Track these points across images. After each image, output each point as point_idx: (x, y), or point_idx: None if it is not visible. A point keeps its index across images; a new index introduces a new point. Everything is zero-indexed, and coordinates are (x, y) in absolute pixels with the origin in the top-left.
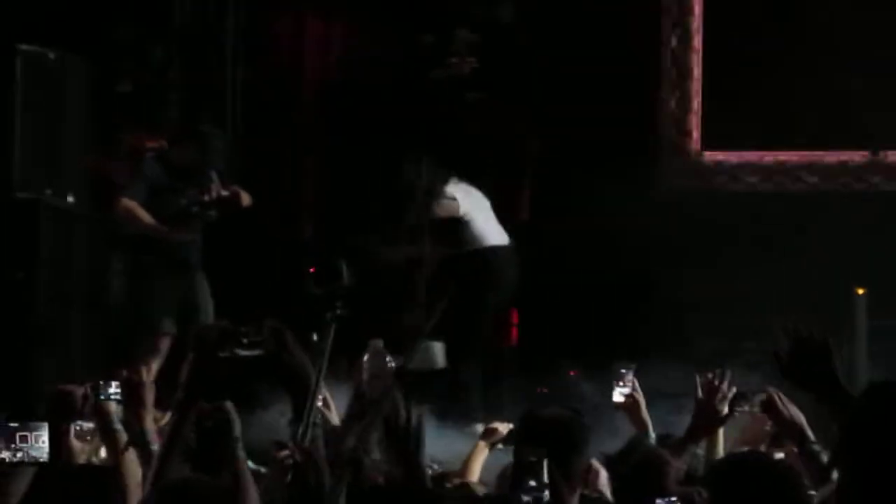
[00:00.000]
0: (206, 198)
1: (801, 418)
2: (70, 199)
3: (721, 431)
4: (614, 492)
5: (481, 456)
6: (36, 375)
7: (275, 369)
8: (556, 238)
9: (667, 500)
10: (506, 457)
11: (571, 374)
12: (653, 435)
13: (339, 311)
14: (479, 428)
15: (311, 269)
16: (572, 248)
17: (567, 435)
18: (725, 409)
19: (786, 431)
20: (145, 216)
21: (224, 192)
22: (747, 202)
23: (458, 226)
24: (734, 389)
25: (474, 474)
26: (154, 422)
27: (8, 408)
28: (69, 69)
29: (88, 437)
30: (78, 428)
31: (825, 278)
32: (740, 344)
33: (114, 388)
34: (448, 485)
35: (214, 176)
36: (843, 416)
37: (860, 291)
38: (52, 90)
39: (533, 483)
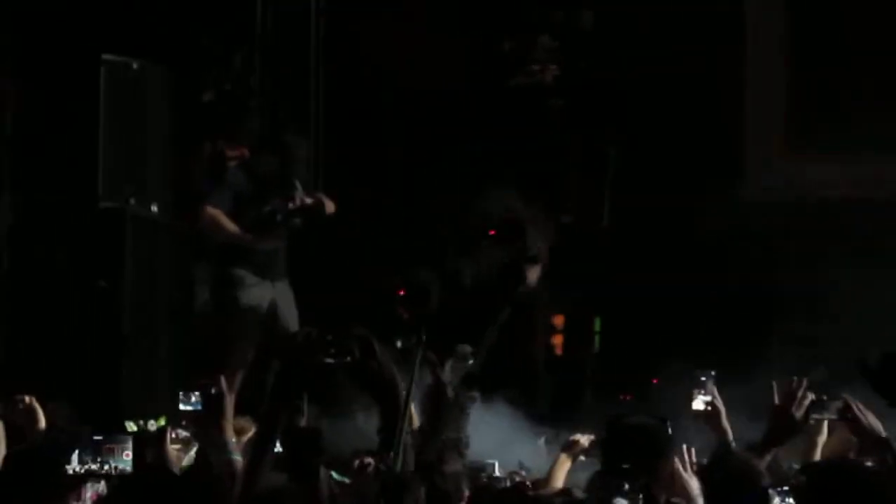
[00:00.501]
0: (291, 206)
1: (879, 426)
2: (154, 208)
3: (819, 442)
4: (707, 499)
5: (564, 467)
6: (121, 387)
7: (361, 377)
8: (638, 245)
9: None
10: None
11: (654, 382)
12: (732, 443)
13: (424, 336)
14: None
15: (400, 291)
16: (654, 255)
17: (653, 442)
18: (801, 416)
19: (864, 439)
20: (230, 225)
21: (308, 200)
22: (836, 208)
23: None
24: (811, 396)
25: (559, 484)
26: (240, 431)
27: (94, 420)
28: (151, 79)
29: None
30: (174, 436)
31: None
32: (827, 352)
33: (195, 399)
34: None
35: (298, 184)
36: None
37: None
38: (135, 100)
39: (626, 488)
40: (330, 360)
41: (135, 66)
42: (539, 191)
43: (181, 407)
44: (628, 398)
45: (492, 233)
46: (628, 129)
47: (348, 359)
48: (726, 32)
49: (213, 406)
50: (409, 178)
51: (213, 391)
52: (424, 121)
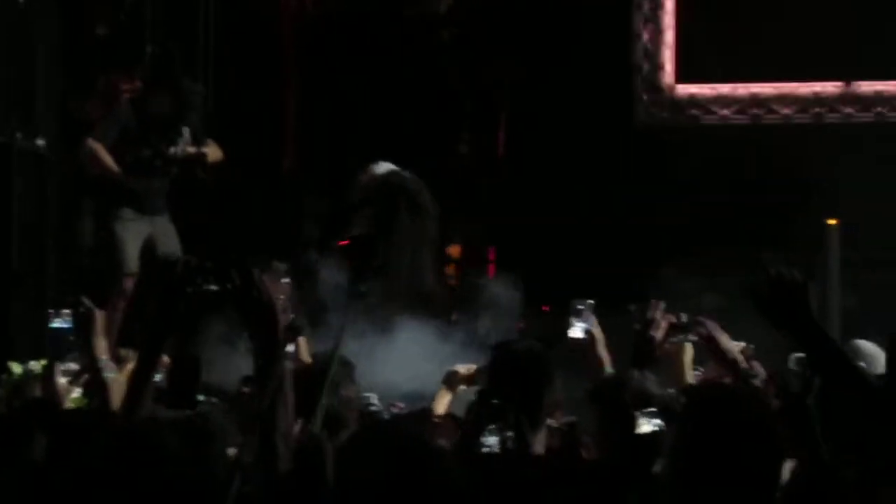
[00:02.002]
0: (171, 152)
1: (734, 348)
2: (40, 142)
3: (686, 364)
4: (600, 426)
5: (444, 400)
6: (10, 317)
7: (241, 304)
8: (533, 174)
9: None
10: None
11: (545, 309)
12: (610, 370)
13: (364, 289)
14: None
15: (343, 242)
16: (548, 183)
17: (539, 366)
18: (660, 338)
19: (719, 360)
20: (107, 159)
21: (191, 150)
22: (720, 134)
23: None
24: (671, 319)
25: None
26: (123, 361)
27: None
28: (39, 12)
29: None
30: (64, 368)
31: (797, 210)
32: (725, 279)
33: (63, 319)
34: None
35: (186, 132)
36: (816, 353)
37: (832, 223)
38: (22, 34)
39: (497, 426)
40: (209, 288)
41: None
42: (435, 121)
43: (51, 325)
44: (521, 326)
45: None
46: (522, 61)
47: (228, 286)
48: None
49: (82, 325)
50: (302, 109)
51: (81, 310)
52: (318, 52)
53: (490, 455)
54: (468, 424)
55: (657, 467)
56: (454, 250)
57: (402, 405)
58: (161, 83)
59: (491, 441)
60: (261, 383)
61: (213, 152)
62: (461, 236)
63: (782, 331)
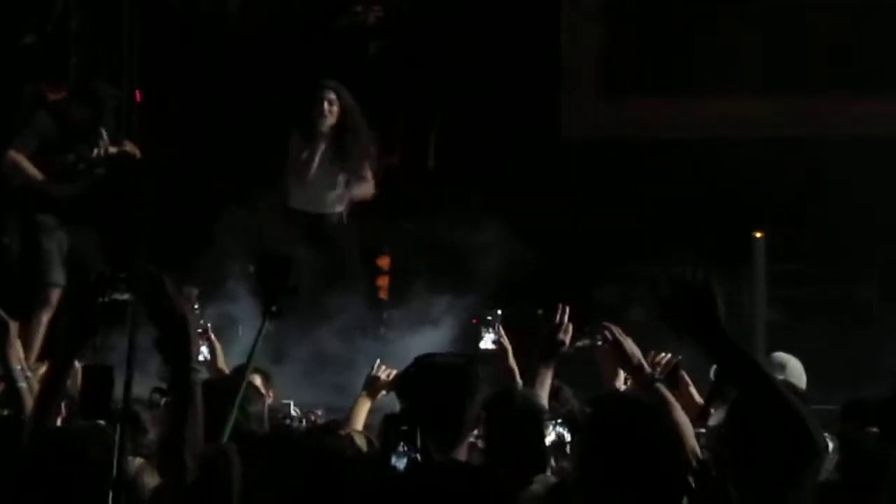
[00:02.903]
0: (95, 154)
1: (637, 351)
2: None
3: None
4: (488, 439)
5: (365, 407)
6: None
7: (153, 314)
8: (461, 185)
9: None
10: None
11: (473, 322)
12: (519, 382)
13: (276, 309)
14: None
15: (260, 260)
16: (477, 196)
17: (460, 382)
18: (566, 340)
19: (624, 364)
20: (31, 169)
21: (112, 150)
22: (647, 147)
23: None
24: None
25: (359, 426)
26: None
27: None
28: None
29: None
30: None
31: (724, 222)
32: (636, 290)
33: None
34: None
35: (105, 134)
36: (722, 359)
37: (758, 235)
38: None
39: (406, 448)
40: (121, 297)
41: None
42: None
43: None
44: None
45: None
46: (448, 73)
47: (137, 295)
48: None
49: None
50: (229, 123)
51: None
52: (245, 64)
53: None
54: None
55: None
56: (383, 261)
57: (319, 413)
58: (77, 89)
59: (398, 464)
60: (171, 394)
61: (133, 151)
62: (390, 247)
63: (687, 338)
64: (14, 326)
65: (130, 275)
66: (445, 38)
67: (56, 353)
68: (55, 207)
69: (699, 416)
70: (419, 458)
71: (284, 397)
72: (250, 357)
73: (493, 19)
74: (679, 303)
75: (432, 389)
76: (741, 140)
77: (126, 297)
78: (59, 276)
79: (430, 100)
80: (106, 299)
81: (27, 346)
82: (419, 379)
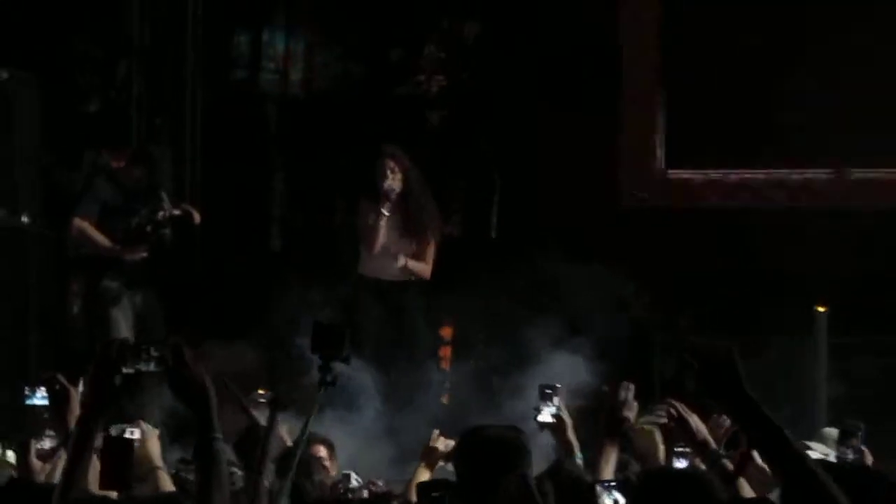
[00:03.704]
0: (160, 216)
1: (703, 428)
2: (24, 218)
3: (657, 444)
4: None
5: (422, 478)
6: None
7: (174, 384)
8: (524, 255)
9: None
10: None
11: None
12: (580, 456)
13: (330, 379)
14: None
15: (315, 330)
16: (541, 266)
17: (509, 454)
18: (631, 417)
19: (688, 440)
20: (98, 236)
21: (175, 211)
22: (709, 219)
23: None
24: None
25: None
26: None
27: None
28: (20, 87)
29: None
30: (39, 447)
31: (786, 296)
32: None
33: (40, 394)
34: None
35: (164, 195)
36: (747, 424)
37: (821, 309)
38: (5, 109)
39: None
40: (144, 368)
41: (4, 74)
42: None
43: (27, 402)
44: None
45: None
46: (508, 144)
47: (161, 367)
48: (605, 45)
49: (57, 401)
50: (288, 187)
51: (56, 387)
52: (306, 130)
53: None
54: None
55: None
56: (446, 331)
57: (380, 483)
58: (133, 152)
59: None
60: (195, 463)
61: (193, 214)
62: (452, 318)
63: (717, 403)
64: (75, 393)
65: (156, 345)
66: (505, 107)
67: (78, 423)
68: (119, 273)
69: (725, 482)
70: None
71: (347, 467)
72: (305, 426)
73: (554, 86)
74: (703, 371)
75: (480, 461)
76: (804, 211)
77: (151, 367)
78: None
79: (491, 170)
80: (130, 370)
81: None
82: (469, 450)
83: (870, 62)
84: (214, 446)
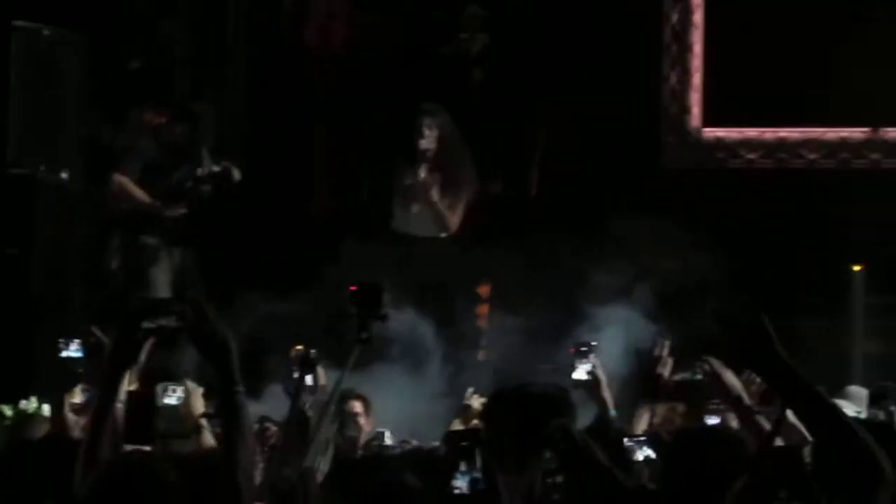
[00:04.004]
0: (199, 173)
1: (738, 384)
2: (64, 175)
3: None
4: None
5: None
6: (33, 352)
7: (195, 340)
8: (564, 214)
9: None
10: None
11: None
12: (613, 412)
13: (366, 336)
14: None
15: (353, 287)
16: (579, 223)
17: (559, 406)
18: (667, 374)
19: (723, 396)
20: (138, 192)
21: (216, 168)
22: (747, 178)
23: None
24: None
25: None
26: None
27: (3, 384)
28: (65, 45)
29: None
30: (74, 402)
31: (821, 255)
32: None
33: (75, 346)
34: None
35: (205, 153)
36: (782, 388)
37: (857, 268)
38: (47, 66)
39: (467, 467)
40: (165, 324)
41: (46, 32)
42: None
43: (61, 354)
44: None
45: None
46: (553, 102)
47: (181, 322)
48: (644, 3)
49: (93, 354)
50: (331, 147)
51: (91, 340)
52: (349, 88)
53: (459, 496)
54: (441, 465)
55: None
56: (483, 289)
57: (414, 442)
58: (174, 111)
59: (460, 483)
60: (219, 416)
61: (235, 171)
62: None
63: (752, 370)
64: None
65: (176, 301)
66: (546, 67)
67: (100, 379)
68: (159, 230)
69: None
70: (481, 478)
71: (382, 425)
72: (337, 383)
73: (594, 48)
74: (731, 339)
75: (524, 415)
76: (841, 171)
77: (174, 322)
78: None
79: (532, 127)
80: (152, 325)
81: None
82: (511, 405)
83: None
84: (237, 399)
